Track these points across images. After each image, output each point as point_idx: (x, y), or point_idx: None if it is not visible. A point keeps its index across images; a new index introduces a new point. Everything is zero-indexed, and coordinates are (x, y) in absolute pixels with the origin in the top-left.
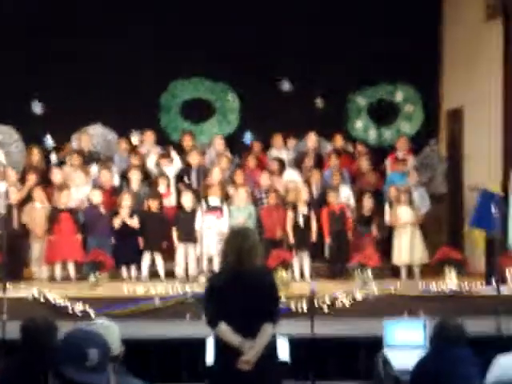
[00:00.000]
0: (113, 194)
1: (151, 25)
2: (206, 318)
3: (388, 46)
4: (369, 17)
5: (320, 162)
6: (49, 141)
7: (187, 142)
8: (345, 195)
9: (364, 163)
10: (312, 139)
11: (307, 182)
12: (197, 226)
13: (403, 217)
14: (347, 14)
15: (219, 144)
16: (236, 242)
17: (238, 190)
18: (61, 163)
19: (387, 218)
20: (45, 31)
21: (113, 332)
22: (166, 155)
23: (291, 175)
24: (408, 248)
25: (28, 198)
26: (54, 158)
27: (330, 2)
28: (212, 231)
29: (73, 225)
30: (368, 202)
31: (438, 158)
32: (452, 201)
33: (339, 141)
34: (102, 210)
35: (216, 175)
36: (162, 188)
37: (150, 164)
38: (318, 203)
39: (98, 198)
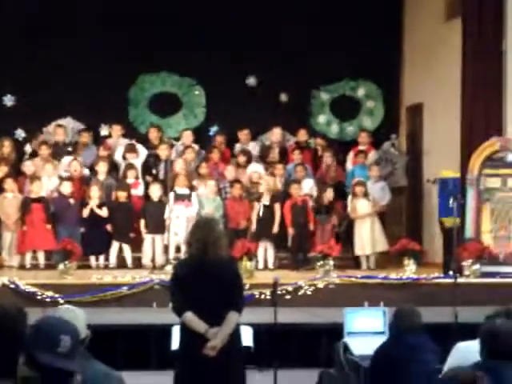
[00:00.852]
0: (82, 184)
1: (121, 20)
2: (172, 306)
3: (350, 44)
4: (331, 15)
5: (284, 156)
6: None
7: (154, 135)
8: (308, 187)
9: (327, 157)
10: (276, 133)
11: (271, 175)
12: (166, 214)
13: (361, 209)
14: (311, 11)
15: (187, 137)
16: (201, 232)
17: (206, 181)
18: (33, 155)
19: (349, 209)
20: (19, 30)
21: (79, 317)
22: (132, 147)
23: (256, 168)
24: (369, 239)
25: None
26: (28, 148)
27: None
28: (181, 220)
29: (44, 214)
30: (329, 193)
31: (398, 153)
32: (412, 194)
33: (303, 135)
34: (72, 200)
35: (179, 166)
36: (130, 179)
37: (118, 156)
38: (282, 195)
39: (67, 188)
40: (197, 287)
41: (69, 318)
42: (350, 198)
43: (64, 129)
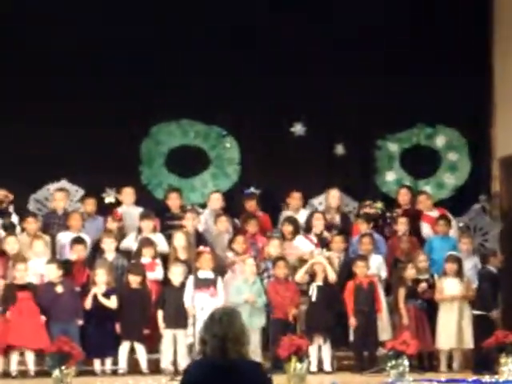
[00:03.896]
0: (84, 266)
1: (126, 53)
2: None
3: (426, 83)
4: (400, 47)
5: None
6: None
7: (175, 202)
8: (375, 265)
9: (401, 226)
10: (334, 196)
11: (327, 249)
12: (186, 303)
13: (450, 290)
14: (369, 42)
15: (215, 201)
16: (219, 326)
17: (244, 260)
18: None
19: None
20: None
21: None
22: (148, 216)
23: (302, 241)
24: (456, 330)
25: None
26: (14, 219)
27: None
28: (206, 312)
29: (34, 305)
30: (410, 271)
31: (489, 218)
32: (509, 271)
33: (368, 202)
34: (59, 287)
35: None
36: (145, 259)
37: (131, 232)
38: (342, 276)
39: (53, 273)
40: None
41: None
42: (436, 276)
43: (66, 194)
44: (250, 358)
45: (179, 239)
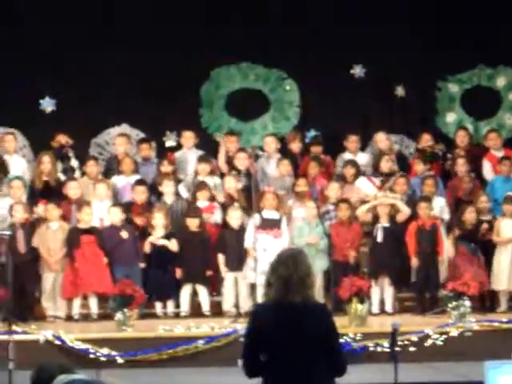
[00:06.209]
0: (143, 210)
1: (187, 3)
2: (244, 365)
3: (487, 22)
4: None
5: (403, 166)
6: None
7: (233, 144)
8: (439, 207)
9: (461, 167)
10: (381, 140)
11: (390, 191)
12: (247, 243)
13: (508, 232)
14: None
15: (269, 144)
16: (284, 268)
17: (305, 203)
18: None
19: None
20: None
21: None
22: (206, 160)
23: (363, 183)
24: (508, 271)
25: (40, 217)
26: (74, 163)
27: None
28: (269, 254)
29: (97, 249)
30: (470, 215)
31: None
32: None
33: (427, 140)
34: (124, 232)
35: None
36: (202, 202)
37: (189, 173)
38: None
39: (116, 216)
40: (279, 341)
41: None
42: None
43: (126, 138)
44: (314, 300)
45: (229, 182)
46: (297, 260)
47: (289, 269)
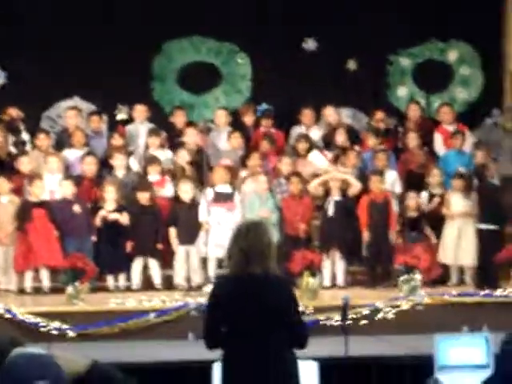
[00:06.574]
0: (92, 183)
1: None
2: (203, 336)
3: None
4: None
5: (354, 141)
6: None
7: (180, 119)
8: (390, 180)
9: (413, 141)
10: (329, 114)
11: (341, 165)
12: (201, 218)
13: (456, 206)
14: None
15: (220, 117)
16: (245, 240)
17: (256, 176)
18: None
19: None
20: None
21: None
22: (155, 133)
23: (316, 157)
24: (453, 245)
25: None
26: (24, 136)
27: None
28: (223, 227)
29: (48, 222)
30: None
31: (502, 132)
32: None
33: (379, 114)
34: (76, 205)
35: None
36: (153, 176)
37: (140, 146)
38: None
39: (68, 189)
40: (239, 313)
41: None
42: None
43: (77, 111)
44: (275, 271)
45: (183, 156)
46: (257, 231)
47: (248, 240)
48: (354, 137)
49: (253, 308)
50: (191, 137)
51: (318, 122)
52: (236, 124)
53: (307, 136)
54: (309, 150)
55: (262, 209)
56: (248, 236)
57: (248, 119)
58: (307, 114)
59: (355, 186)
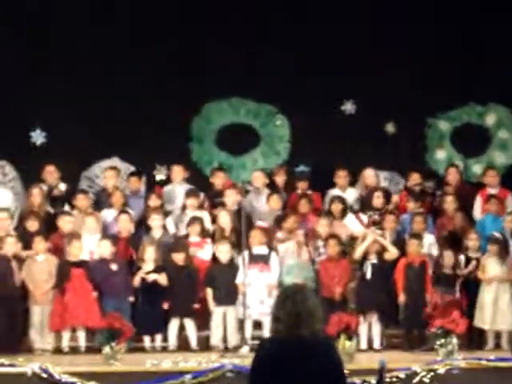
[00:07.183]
0: (128, 243)
1: (177, 36)
2: None
3: (476, 61)
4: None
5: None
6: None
7: (220, 179)
8: (427, 244)
9: (450, 204)
10: (369, 176)
11: (380, 228)
12: (238, 279)
13: (492, 270)
14: (420, 17)
15: (257, 179)
16: (293, 303)
17: (297, 244)
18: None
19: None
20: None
21: None
22: (194, 194)
23: (351, 221)
24: (491, 310)
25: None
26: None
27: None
28: (254, 288)
29: (86, 282)
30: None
31: None
32: None
33: (416, 179)
34: (114, 264)
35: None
36: (194, 237)
37: (177, 207)
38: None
39: (106, 249)
40: (288, 374)
41: None
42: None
43: (116, 172)
44: (321, 334)
45: (223, 217)
46: (304, 295)
47: (297, 303)
48: (388, 199)
49: (300, 370)
50: (231, 197)
51: (354, 184)
52: (270, 185)
53: (342, 198)
54: (343, 212)
55: (299, 276)
56: (295, 299)
57: (280, 180)
58: (342, 176)
59: (392, 253)
